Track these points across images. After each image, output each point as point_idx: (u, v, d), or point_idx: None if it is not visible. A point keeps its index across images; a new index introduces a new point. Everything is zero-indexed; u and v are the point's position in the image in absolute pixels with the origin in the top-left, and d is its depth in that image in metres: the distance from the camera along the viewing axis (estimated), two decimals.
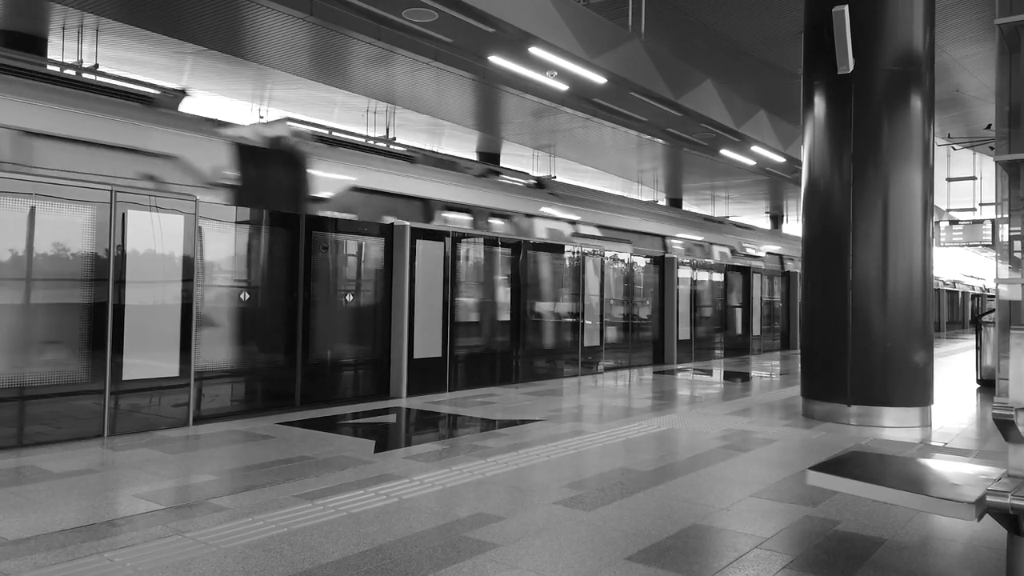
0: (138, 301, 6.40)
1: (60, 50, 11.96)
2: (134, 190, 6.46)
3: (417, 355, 8.96)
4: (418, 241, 9.01)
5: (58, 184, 5.97)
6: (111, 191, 6.25)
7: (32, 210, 5.82)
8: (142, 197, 6.47)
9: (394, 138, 17.02)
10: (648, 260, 14.03)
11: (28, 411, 5.81)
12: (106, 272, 6.20)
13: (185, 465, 5.27)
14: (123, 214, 6.31)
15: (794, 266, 19.43)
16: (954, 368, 14.23)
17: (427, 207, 9.69)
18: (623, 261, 13.26)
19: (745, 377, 12.16)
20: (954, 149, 21.29)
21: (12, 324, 5.76)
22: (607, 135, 16.79)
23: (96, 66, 12.11)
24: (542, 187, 12.62)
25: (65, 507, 4.19)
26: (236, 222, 7.54)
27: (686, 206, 26.71)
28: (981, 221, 19.23)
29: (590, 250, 12.07)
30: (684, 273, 14.52)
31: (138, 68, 13.19)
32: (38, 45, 11.53)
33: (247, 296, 7.60)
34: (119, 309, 6.27)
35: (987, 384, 11.06)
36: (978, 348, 11.53)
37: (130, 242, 6.37)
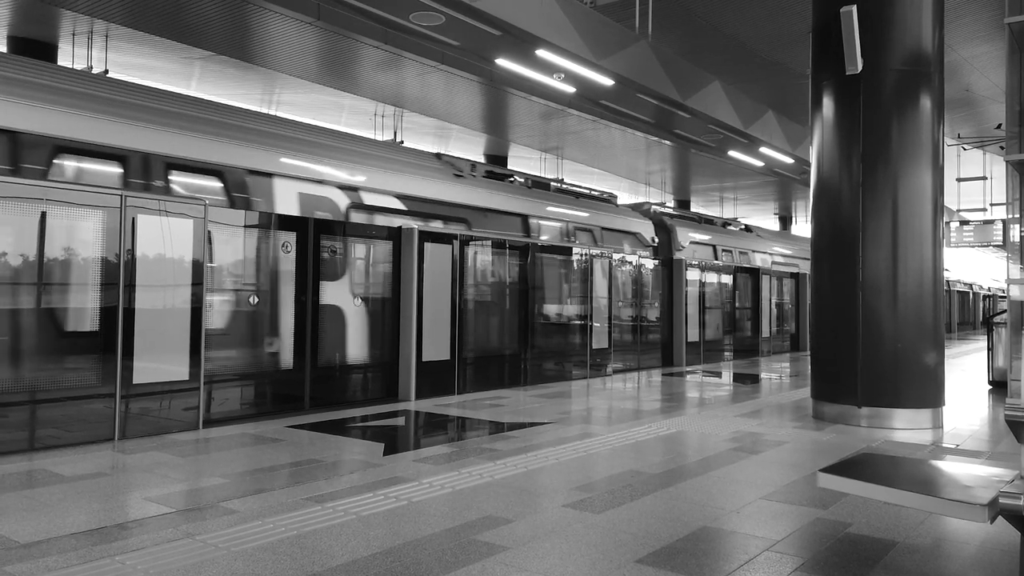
0: (148, 305, 6.43)
1: (70, 56, 12.05)
2: (143, 195, 6.50)
3: (426, 358, 8.97)
4: (426, 244, 9.02)
5: (69, 190, 6.01)
6: (121, 196, 6.28)
7: (43, 215, 5.85)
8: (151, 202, 6.50)
9: (402, 141, 17.07)
10: (656, 262, 14.00)
11: (39, 415, 5.84)
12: (116, 276, 6.24)
13: (195, 468, 5.29)
14: (133, 218, 6.34)
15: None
16: (965, 369, 14.13)
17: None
18: (631, 263, 13.24)
19: (755, 379, 12.11)
20: (964, 149, 21.16)
21: (23, 328, 5.80)
22: (615, 137, 16.78)
23: (106, 72, 12.19)
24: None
25: (76, 510, 4.21)
26: (245, 226, 7.57)
27: (694, 207, 26.64)
28: (992, 221, 19.12)
29: (597, 252, 12.06)
30: (692, 275, 14.49)
31: (147, 74, 13.28)
32: (48, 52, 11.62)
33: (256, 300, 7.62)
34: (129, 313, 6.29)
35: (999, 385, 10.98)
36: (989, 349, 11.46)
37: (140, 246, 6.40)
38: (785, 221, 31.11)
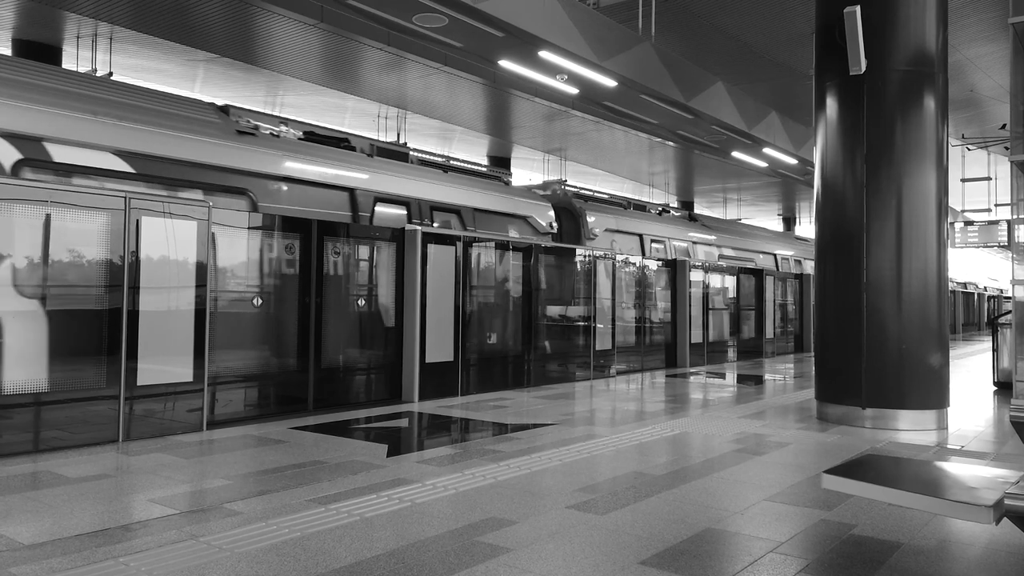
0: (152, 307, 6.44)
1: (75, 59, 12.09)
2: (148, 197, 6.51)
3: (429, 359, 8.97)
4: (429, 245, 9.02)
5: (73, 191, 6.02)
6: (125, 198, 6.30)
7: (48, 217, 5.87)
8: (155, 204, 6.51)
9: (405, 143, 17.10)
10: (660, 263, 13.99)
11: (44, 416, 5.86)
12: (120, 278, 6.25)
13: (199, 470, 5.29)
14: (137, 220, 6.35)
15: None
16: (970, 370, 14.10)
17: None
18: (634, 264, 13.23)
19: (758, 380, 12.10)
20: (968, 149, 21.13)
21: (28, 330, 5.82)
22: (618, 138, 16.80)
23: (110, 74, 12.23)
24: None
25: (80, 512, 4.22)
26: (248, 228, 7.58)
27: (698, 208, 26.65)
28: (996, 222, 19.10)
29: (600, 253, 12.05)
30: (696, 276, 14.48)
31: (152, 76, 13.32)
32: (53, 55, 11.67)
33: (260, 301, 7.63)
34: (133, 315, 6.31)
35: (1004, 386, 10.94)
36: (994, 350, 11.42)
37: (144, 248, 6.41)
38: (789, 222, 31.11)
